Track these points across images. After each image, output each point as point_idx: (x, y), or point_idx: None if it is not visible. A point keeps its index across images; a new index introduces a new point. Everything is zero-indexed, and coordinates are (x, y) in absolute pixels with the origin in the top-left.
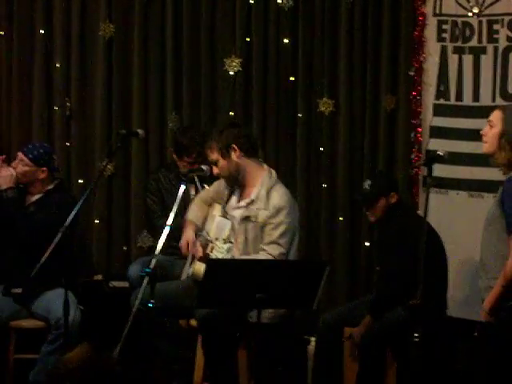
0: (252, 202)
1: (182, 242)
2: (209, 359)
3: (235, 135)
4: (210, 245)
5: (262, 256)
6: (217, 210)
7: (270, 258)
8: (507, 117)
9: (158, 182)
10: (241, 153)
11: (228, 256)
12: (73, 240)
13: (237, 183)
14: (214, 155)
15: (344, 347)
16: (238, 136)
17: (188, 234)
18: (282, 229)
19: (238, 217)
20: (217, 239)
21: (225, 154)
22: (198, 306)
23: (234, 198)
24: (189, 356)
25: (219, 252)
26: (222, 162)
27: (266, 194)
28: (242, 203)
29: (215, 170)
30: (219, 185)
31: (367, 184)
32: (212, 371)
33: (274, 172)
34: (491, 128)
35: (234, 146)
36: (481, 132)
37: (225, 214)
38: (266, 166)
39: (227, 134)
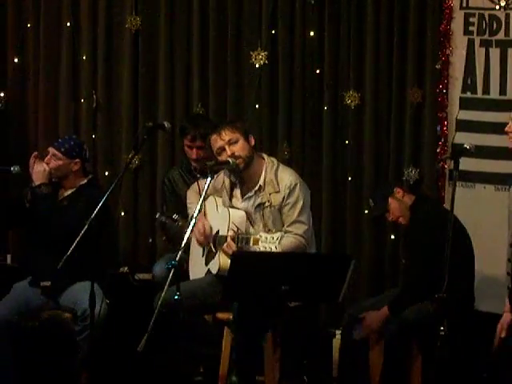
0: (260, 188)
1: (199, 227)
2: (239, 349)
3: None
4: (253, 237)
5: (289, 239)
6: (220, 202)
7: (297, 238)
8: None
9: (172, 183)
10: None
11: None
12: (100, 232)
13: (243, 169)
14: (233, 135)
15: (369, 340)
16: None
17: (204, 222)
18: (299, 205)
19: (250, 207)
20: (238, 229)
21: (246, 137)
22: (223, 299)
23: (237, 192)
24: (215, 349)
25: (270, 243)
26: (243, 143)
27: (275, 177)
28: (250, 193)
29: (234, 150)
30: (214, 179)
31: (370, 202)
32: (241, 361)
33: (274, 158)
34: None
35: (252, 136)
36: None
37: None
38: (265, 156)
39: (243, 124)
